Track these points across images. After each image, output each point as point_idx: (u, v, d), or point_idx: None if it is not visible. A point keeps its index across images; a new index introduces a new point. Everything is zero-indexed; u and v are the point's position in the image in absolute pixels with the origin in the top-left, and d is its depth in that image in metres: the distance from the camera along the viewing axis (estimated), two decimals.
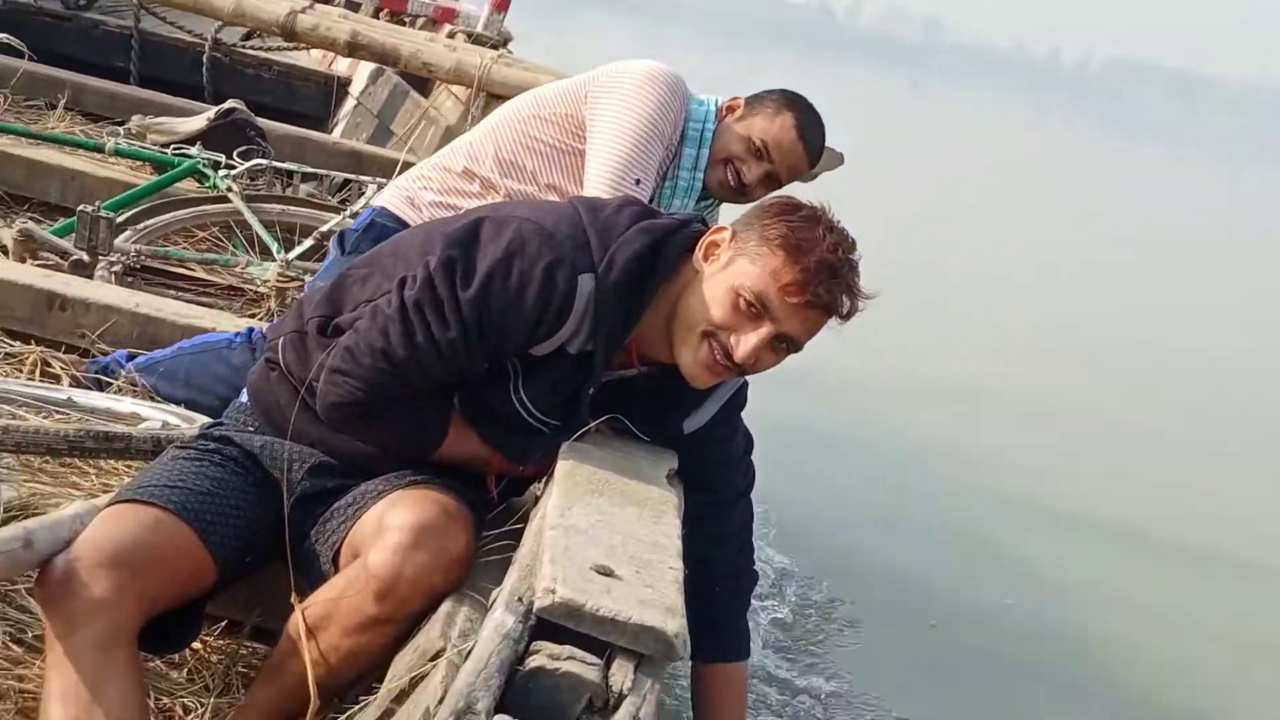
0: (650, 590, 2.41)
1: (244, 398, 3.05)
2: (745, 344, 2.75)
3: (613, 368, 2.91)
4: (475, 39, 6.66)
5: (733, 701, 3.21)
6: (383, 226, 4.01)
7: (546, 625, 2.29)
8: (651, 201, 4.15)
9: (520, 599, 2.33)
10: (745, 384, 3.07)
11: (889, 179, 21.52)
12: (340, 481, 2.90)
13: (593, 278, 2.76)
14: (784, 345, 2.79)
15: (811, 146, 4.23)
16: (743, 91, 4.37)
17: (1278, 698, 6.62)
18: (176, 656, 3.17)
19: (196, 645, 3.20)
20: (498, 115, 4.35)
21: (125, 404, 3.65)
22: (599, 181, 4.01)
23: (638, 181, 4.02)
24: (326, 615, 2.70)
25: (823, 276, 2.72)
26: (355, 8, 7.17)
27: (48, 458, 3.31)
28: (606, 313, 2.77)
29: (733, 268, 2.77)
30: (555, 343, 2.80)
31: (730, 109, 4.22)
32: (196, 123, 5.89)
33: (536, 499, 3.01)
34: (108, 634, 2.53)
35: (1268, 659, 6.95)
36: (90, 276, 4.66)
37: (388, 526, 2.67)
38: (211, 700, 3.04)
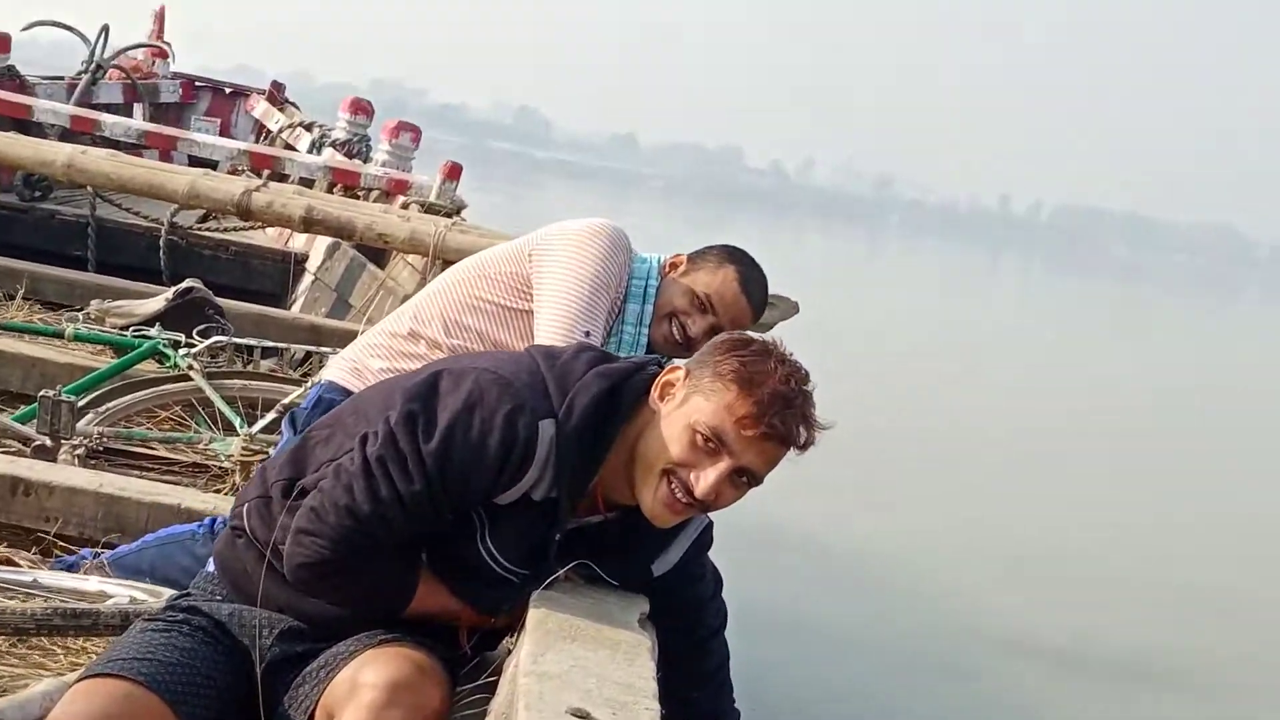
0: None
1: (210, 567, 3.02)
2: (705, 480, 2.74)
3: (579, 514, 2.90)
4: (429, 208, 6.71)
5: None
6: (330, 401, 3.96)
7: None
8: None
9: None
10: (710, 524, 3.07)
11: (850, 334, 21.68)
12: (310, 646, 2.86)
13: (553, 423, 2.76)
14: (744, 479, 2.79)
15: (755, 299, 4.27)
16: None
17: None
18: None
19: None
20: (443, 279, 4.39)
21: (92, 583, 3.62)
22: (550, 335, 4.02)
23: (587, 334, 4.03)
24: None
25: (777, 408, 2.73)
26: (309, 184, 7.22)
27: (15, 639, 3.28)
28: (569, 457, 2.77)
29: (688, 405, 2.78)
30: (519, 490, 2.79)
31: (673, 265, 4.26)
32: (155, 304, 5.92)
33: (509, 651, 2.98)
34: None
35: None
36: (54, 461, 4.64)
37: (361, 685, 2.64)
38: None
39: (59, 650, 3.49)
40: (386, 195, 7.38)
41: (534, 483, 2.78)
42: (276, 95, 10.25)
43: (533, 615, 2.82)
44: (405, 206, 6.85)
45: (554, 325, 4.04)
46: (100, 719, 2.57)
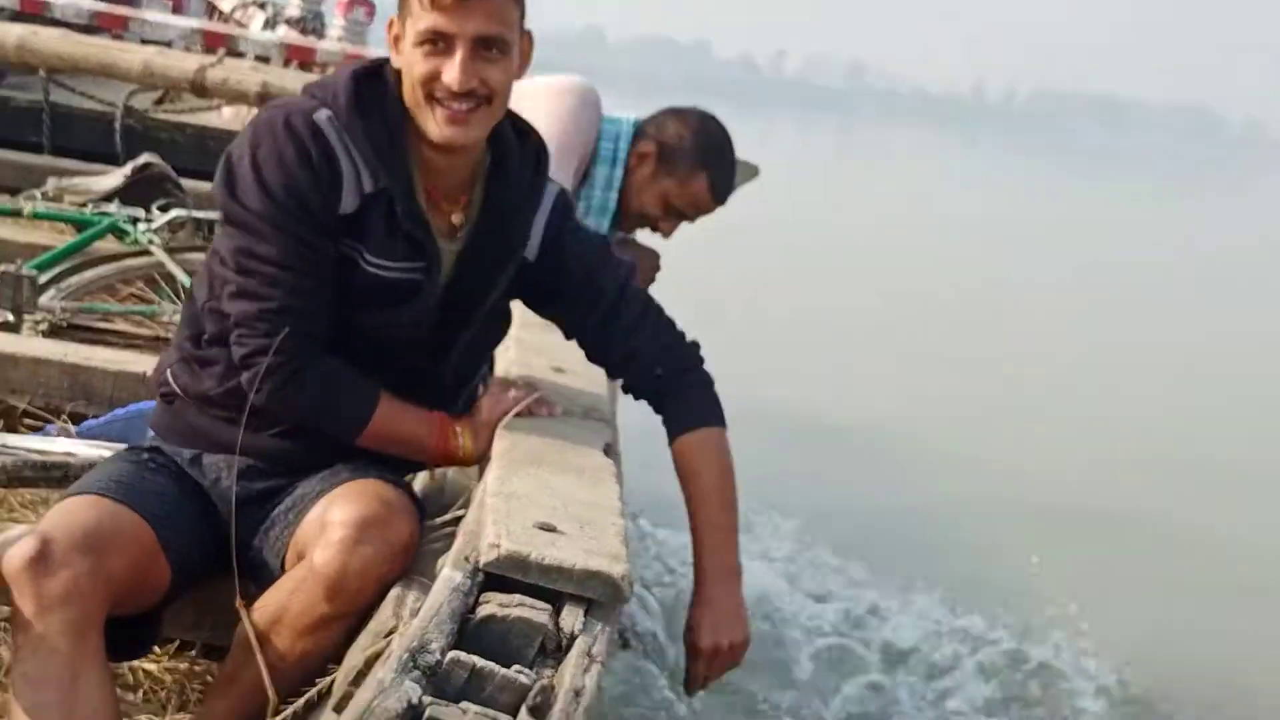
0: (594, 542, 2.41)
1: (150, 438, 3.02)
2: (452, 71, 2.71)
3: (442, 225, 2.89)
4: None
5: (709, 461, 3.09)
6: None
7: (494, 583, 2.27)
8: None
9: (467, 559, 2.32)
10: (561, 191, 3.08)
11: (828, 222, 21.70)
12: (272, 483, 2.88)
13: (325, 110, 2.77)
14: (492, 50, 2.74)
15: (723, 196, 4.35)
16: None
17: None
18: (130, 677, 3.14)
19: (150, 666, 3.17)
20: None
21: (59, 444, 3.61)
22: None
23: None
24: (277, 619, 2.67)
25: None
26: (265, 61, 7.13)
27: None
28: (357, 130, 2.76)
29: (405, 40, 2.76)
30: (354, 192, 2.77)
31: (642, 157, 4.25)
32: (113, 179, 5.85)
33: (479, 481, 3.00)
34: (82, 619, 2.48)
35: None
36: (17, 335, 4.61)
37: (330, 523, 2.64)
38: (168, 718, 3.03)
39: (31, 515, 3.50)
40: None
41: (355, 175, 2.77)
42: None
43: (498, 445, 2.86)
44: None
45: None
46: (95, 530, 2.56)
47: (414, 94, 2.76)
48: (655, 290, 3.37)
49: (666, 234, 4.36)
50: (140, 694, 3.11)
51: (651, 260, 4.47)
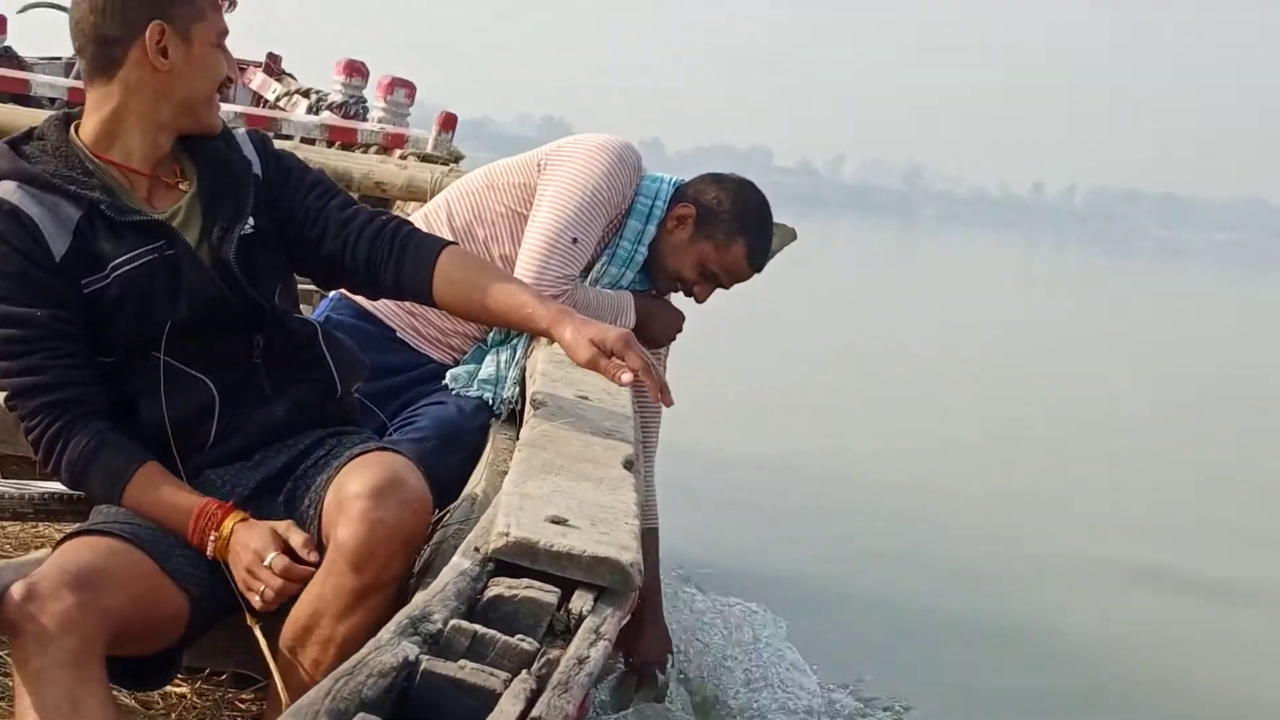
0: (605, 535, 2.43)
1: None
2: (230, 63, 3.00)
3: (168, 197, 2.95)
4: (425, 159, 6.74)
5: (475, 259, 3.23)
6: (338, 320, 4.02)
7: (504, 571, 2.29)
8: (589, 268, 4.22)
9: (477, 549, 2.35)
10: (256, 131, 3.23)
11: (900, 324, 21.60)
12: (261, 473, 2.96)
13: (7, 182, 2.84)
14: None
15: (759, 263, 4.40)
16: None
17: None
18: (161, 702, 3.17)
19: (183, 690, 3.20)
20: (453, 188, 4.44)
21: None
22: (536, 236, 4.08)
23: (575, 240, 4.07)
24: (315, 612, 2.72)
25: None
26: (310, 144, 7.25)
27: (14, 522, 3.34)
28: (35, 173, 2.84)
29: (197, 43, 2.90)
30: (59, 234, 2.82)
31: (680, 220, 4.29)
32: None
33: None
34: (78, 650, 2.53)
35: None
36: None
37: (345, 499, 2.70)
38: None
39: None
40: (383, 150, 7.40)
41: (51, 216, 2.82)
42: (274, 67, 10.27)
43: (517, 455, 2.88)
44: (403, 158, 6.86)
45: (543, 227, 4.08)
46: (88, 566, 2.62)
47: (205, 90, 2.94)
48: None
49: (701, 299, 4.39)
50: (173, 717, 3.15)
51: (675, 319, 4.49)
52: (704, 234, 4.28)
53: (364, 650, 1.89)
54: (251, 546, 2.74)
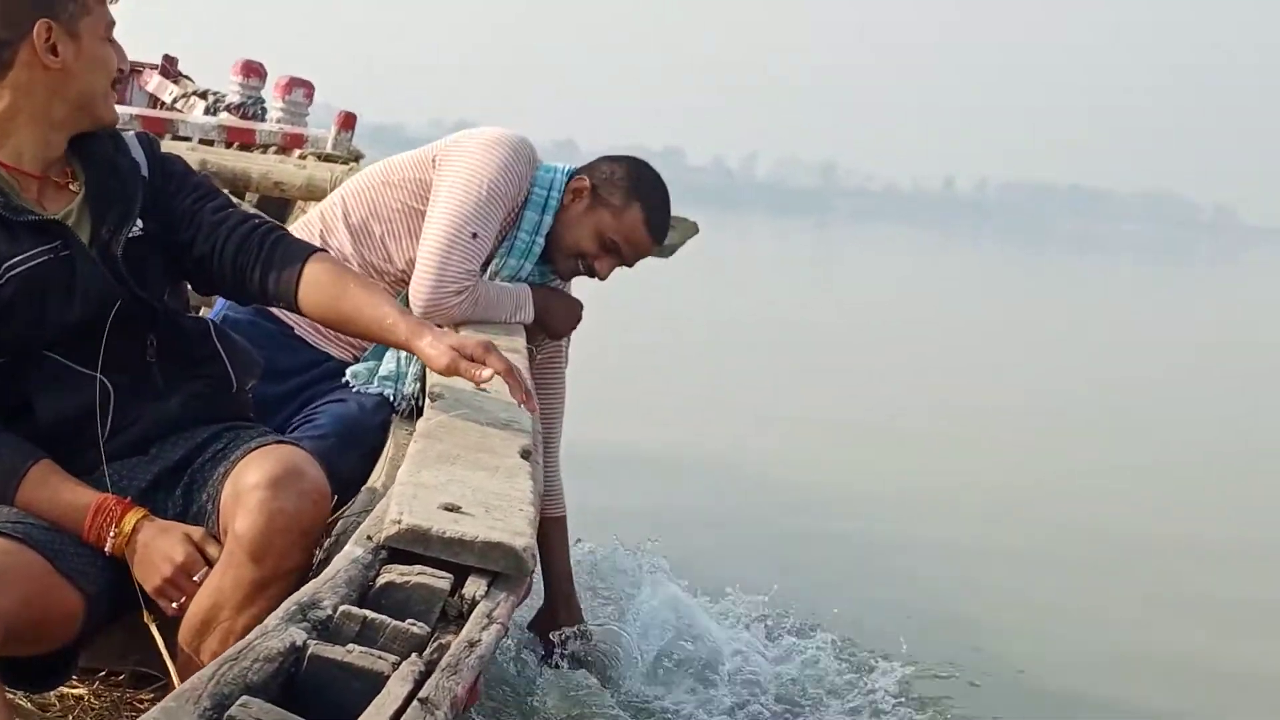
0: (499, 521, 2.45)
1: None
2: (121, 56, 2.98)
3: (61, 198, 2.94)
4: (325, 158, 6.67)
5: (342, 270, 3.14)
6: (237, 319, 3.98)
7: (397, 559, 2.30)
8: (489, 261, 4.22)
9: (369, 537, 2.35)
10: (146, 134, 3.20)
11: (812, 321, 21.67)
12: (157, 467, 2.93)
13: None
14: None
15: (659, 232, 4.41)
16: None
17: None
18: (58, 704, 3.14)
19: (81, 692, 3.17)
20: (348, 185, 4.42)
21: None
22: (435, 232, 4.08)
23: (474, 235, 4.08)
24: (214, 604, 2.70)
25: None
26: (209, 144, 7.15)
27: None
28: None
29: (85, 37, 2.88)
30: None
31: (576, 193, 4.31)
32: None
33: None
34: None
35: None
36: None
37: (243, 490, 2.69)
38: None
39: None
40: (283, 150, 7.32)
41: None
42: (170, 69, 10.13)
43: (412, 447, 2.88)
44: (302, 158, 6.78)
45: (442, 223, 4.07)
46: None
47: (101, 84, 2.92)
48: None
49: (603, 275, 4.39)
50: (71, 718, 3.12)
51: (574, 309, 4.52)
52: (599, 202, 4.30)
53: (250, 636, 1.89)
54: (174, 559, 2.73)
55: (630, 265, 4.43)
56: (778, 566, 6.77)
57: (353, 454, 3.69)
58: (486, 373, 2.88)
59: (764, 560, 7.08)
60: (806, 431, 11.86)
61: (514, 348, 3.88)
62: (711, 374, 14.49)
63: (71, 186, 2.95)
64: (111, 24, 2.94)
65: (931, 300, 28.82)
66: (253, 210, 3.15)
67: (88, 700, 3.18)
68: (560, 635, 4.75)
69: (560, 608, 4.78)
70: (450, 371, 2.89)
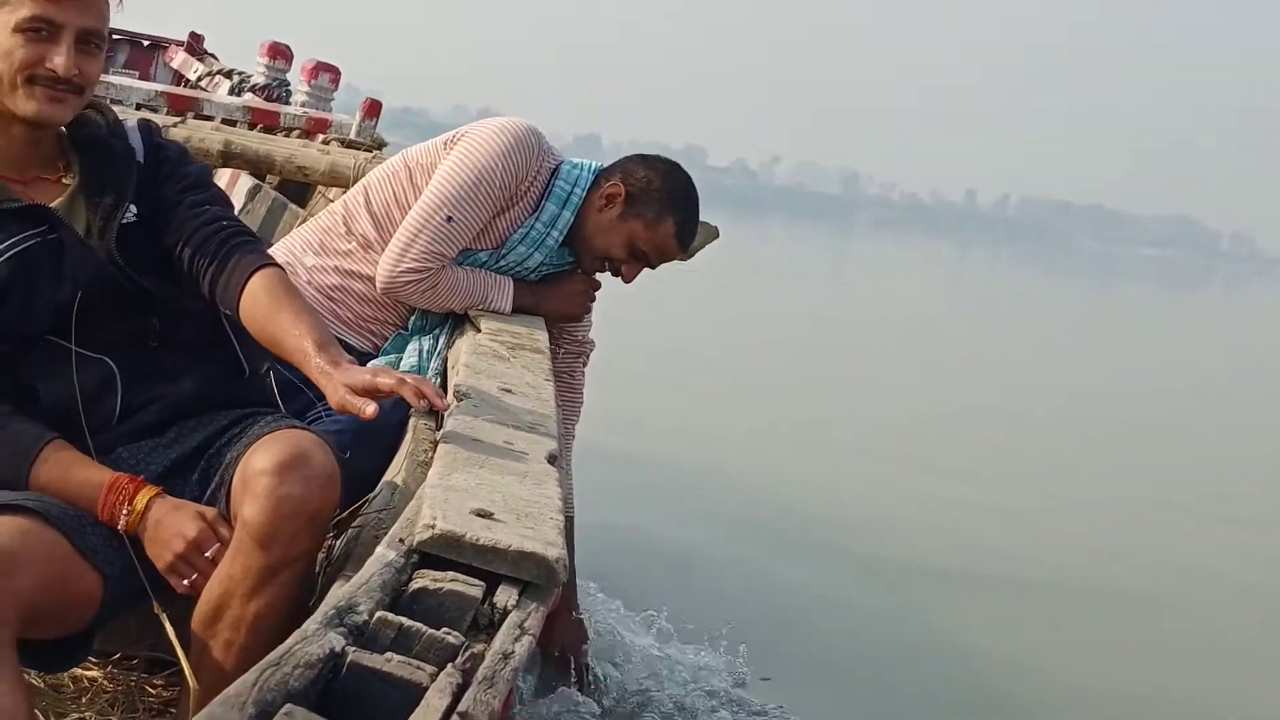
0: (531, 530, 2.43)
1: None
2: (58, 58, 2.84)
3: (50, 190, 2.93)
4: (349, 144, 6.63)
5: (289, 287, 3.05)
6: None
7: (429, 563, 2.29)
8: (503, 244, 4.27)
9: (402, 540, 2.34)
10: (148, 123, 3.17)
11: (836, 325, 21.67)
12: (175, 451, 2.91)
13: None
14: (91, 44, 2.89)
15: (687, 242, 4.39)
16: None
17: None
18: (71, 685, 3.13)
19: (94, 674, 3.16)
20: (374, 173, 4.43)
21: None
22: (413, 213, 4.12)
23: (449, 219, 4.09)
24: (225, 592, 2.66)
25: None
26: (231, 124, 7.14)
27: None
28: None
29: None
30: None
31: (609, 198, 4.29)
32: None
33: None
34: None
35: None
36: None
37: (250, 476, 2.66)
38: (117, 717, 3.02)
39: None
40: (307, 134, 7.30)
41: None
42: (195, 46, 10.13)
43: (442, 449, 2.87)
44: (326, 143, 6.76)
45: (422, 204, 4.13)
46: (1, 553, 2.53)
47: (11, 77, 2.85)
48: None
49: (628, 279, 4.38)
50: (85, 699, 3.11)
51: (572, 291, 4.48)
52: (634, 212, 4.27)
53: (291, 640, 1.88)
54: (187, 535, 2.70)
55: (655, 269, 4.42)
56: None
57: (371, 448, 3.67)
58: (370, 409, 2.74)
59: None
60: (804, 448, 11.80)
61: (534, 340, 3.89)
62: (712, 375, 14.44)
63: (64, 180, 2.95)
64: (34, 18, 2.84)
65: (943, 320, 28.68)
66: (227, 214, 3.07)
67: (101, 683, 3.16)
68: (565, 650, 4.70)
69: (563, 612, 4.71)
70: (341, 408, 2.79)
